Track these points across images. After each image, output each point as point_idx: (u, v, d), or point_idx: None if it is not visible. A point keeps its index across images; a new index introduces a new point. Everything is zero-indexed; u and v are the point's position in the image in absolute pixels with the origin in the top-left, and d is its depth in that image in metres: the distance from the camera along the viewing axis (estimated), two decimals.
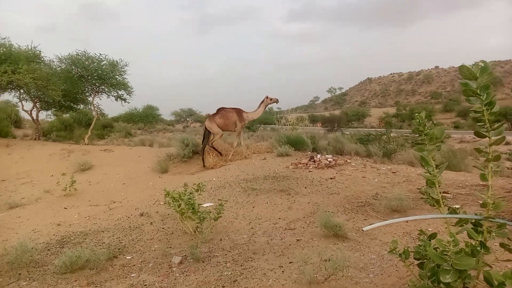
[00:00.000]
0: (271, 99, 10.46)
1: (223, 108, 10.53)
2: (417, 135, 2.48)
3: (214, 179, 7.88)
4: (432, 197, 2.48)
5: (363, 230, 3.74)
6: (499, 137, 2.24)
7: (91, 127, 17.57)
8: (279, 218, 4.94)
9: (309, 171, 7.72)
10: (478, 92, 2.20)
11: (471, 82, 2.21)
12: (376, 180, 6.78)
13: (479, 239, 2.18)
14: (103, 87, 16.64)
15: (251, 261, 3.48)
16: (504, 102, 69.58)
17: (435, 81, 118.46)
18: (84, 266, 3.69)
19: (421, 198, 4.68)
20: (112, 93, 17.18)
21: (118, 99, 17.50)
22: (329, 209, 5.14)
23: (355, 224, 4.44)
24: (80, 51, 16.37)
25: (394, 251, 2.38)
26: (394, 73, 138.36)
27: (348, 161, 8.53)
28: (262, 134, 22.14)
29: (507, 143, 28.62)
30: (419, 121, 2.40)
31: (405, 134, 29.92)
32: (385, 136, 17.17)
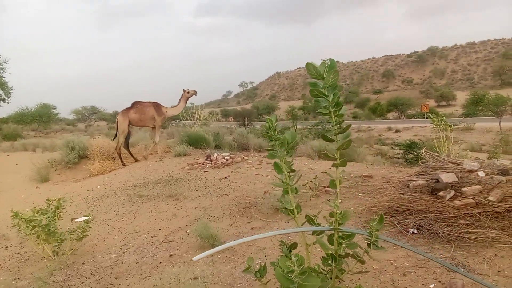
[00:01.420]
0: (188, 92, 9.85)
1: (138, 102, 9.70)
2: (268, 139, 2.27)
3: (99, 186, 7.17)
4: (286, 208, 2.28)
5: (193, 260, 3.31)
6: (346, 140, 2.13)
7: None
8: (159, 229, 4.54)
9: (204, 171, 7.42)
10: (325, 92, 2.04)
11: (319, 81, 2.05)
12: (269, 176, 6.71)
13: (330, 251, 2.05)
14: None
15: None
16: (395, 93, 76.86)
17: None
18: None
19: (277, 208, 4.67)
20: None
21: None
22: (215, 214, 4.89)
23: (237, 229, 4.22)
24: None
25: (249, 270, 2.16)
26: (300, 68, 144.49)
27: (246, 158, 8.41)
28: (173, 131, 21.30)
29: (397, 131, 31.43)
30: (269, 125, 2.20)
31: (308, 127, 31.43)
32: (288, 129, 17.62)
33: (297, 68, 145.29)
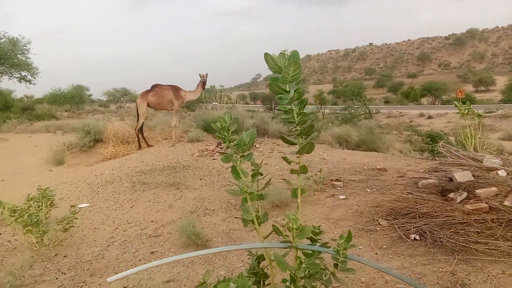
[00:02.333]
0: (202, 76, 9.54)
1: (158, 85, 9.63)
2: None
3: (107, 171, 7.12)
4: (245, 218, 2.01)
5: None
6: (308, 143, 1.83)
7: None
8: (152, 221, 4.37)
9: (213, 159, 7.23)
10: (286, 88, 1.74)
11: (280, 75, 1.74)
12: (277, 166, 6.45)
13: (288, 271, 1.77)
14: (2, 67, 14.79)
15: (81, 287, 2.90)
16: (431, 77, 73.92)
17: (369, 57, 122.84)
18: None
19: (275, 204, 4.37)
20: (14, 74, 15.41)
21: (22, 81, 15.80)
22: (212, 206, 4.68)
23: (229, 225, 4.00)
24: None
25: (203, 286, 1.91)
26: (331, 50, 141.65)
27: (257, 146, 8.15)
28: (200, 114, 21.25)
29: (430, 117, 30.19)
30: (222, 125, 1.93)
31: (335, 111, 30.61)
32: (312, 114, 17.18)
33: (328, 51, 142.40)
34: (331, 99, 56.43)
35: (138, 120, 9.59)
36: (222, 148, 7.85)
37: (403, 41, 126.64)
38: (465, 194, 3.49)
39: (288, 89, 1.72)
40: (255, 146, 8.07)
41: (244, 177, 2.03)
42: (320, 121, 22.44)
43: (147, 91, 9.72)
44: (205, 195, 5.15)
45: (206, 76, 9.31)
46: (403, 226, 3.33)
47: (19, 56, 15.20)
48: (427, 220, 3.27)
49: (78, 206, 5.14)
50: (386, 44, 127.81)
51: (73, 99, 36.41)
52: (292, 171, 1.92)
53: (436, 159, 5.12)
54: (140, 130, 9.61)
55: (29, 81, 15.97)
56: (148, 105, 9.59)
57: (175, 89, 9.40)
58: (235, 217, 4.24)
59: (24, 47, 15.31)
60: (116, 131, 9.62)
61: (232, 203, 4.72)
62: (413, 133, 12.81)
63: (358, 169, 6.00)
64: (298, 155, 1.92)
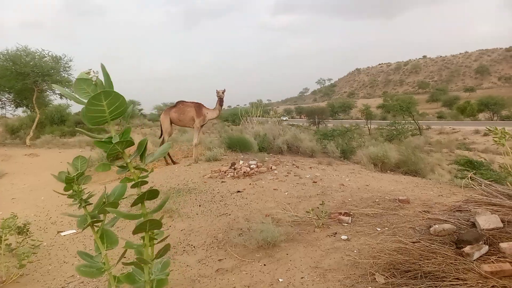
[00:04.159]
0: (219, 92, 8.95)
1: (182, 101, 9.42)
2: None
3: None
4: None
5: None
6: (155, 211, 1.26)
7: (33, 127, 16.36)
8: (124, 257, 3.93)
9: (222, 182, 6.73)
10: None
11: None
12: (286, 193, 5.82)
13: None
14: (44, 84, 15.36)
15: None
16: (490, 91, 69.32)
17: (422, 70, 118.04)
18: None
19: (260, 245, 3.66)
20: (55, 90, 16.00)
21: (63, 97, 16.38)
22: (195, 242, 4.16)
23: (201, 269, 3.43)
24: (20, 47, 15.15)
25: None
26: (382, 63, 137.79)
27: (273, 167, 7.55)
28: (241, 129, 21.02)
29: (486, 134, 27.88)
30: (66, 178, 1.44)
31: (381, 127, 29.13)
32: (350, 132, 16.30)
33: (379, 64, 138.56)
34: (380, 113, 54.47)
35: (161, 137, 9.47)
36: (235, 169, 7.36)
37: (460, 53, 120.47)
38: (485, 248, 2.71)
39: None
40: (271, 168, 7.48)
41: (110, 247, 1.51)
42: (362, 138, 21.43)
43: (171, 107, 9.56)
44: (194, 226, 4.65)
45: (223, 93, 8.83)
46: None
47: (61, 73, 15.72)
48: (430, 283, 2.53)
49: (62, 233, 4.84)
50: (441, 56, 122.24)
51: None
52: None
53: (467, 194, 4.28)
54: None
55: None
56: (171, 122, 9.38)
57: (198, 106, 9.06)
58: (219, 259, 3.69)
59: (66, 64, 15.87)
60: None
61: (219, 238, 4.17)
62: (452, 161, 11.53)
63: (377, 200, 5.25)
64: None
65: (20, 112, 22.13)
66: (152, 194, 1.41)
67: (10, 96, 17.67)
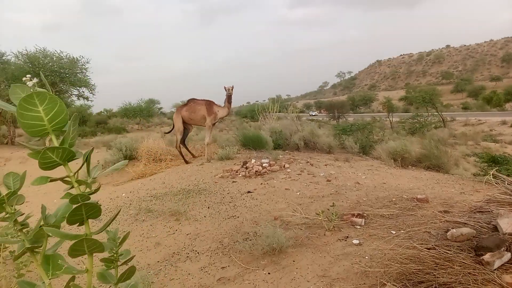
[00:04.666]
0: (228, 89, 8.72)
1: (193, 99, 9.29)
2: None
3: (123, 194, 6.77)
4: None
5: None
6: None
7: None
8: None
9: (233, 182, 6.56)
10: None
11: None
12: (298, 193, 5.60)
13: None
14: (62, 85, 15.55)
15: None
16: None
17: (446, 60, 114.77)
18: None
19: (266, 251, 3.42)
20: (72, 91, 16.22)
21: (80, 98, 16.62)
22: (199, 247, 3.99)
23: (203, 278, 3.26)
24: (38, 48, 15.38)
25: None
26: (404, 54, 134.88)
27: (287, 165, 7.33)
28: (259, 125, 20.80)
29: None
30: None
31: (402, 120, 28.36)
32: (369, 126, 15.89)
33: (401, 55, 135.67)
34: (403, 106, 53.26)
35: (169, 132, 9.49)
36: (247, 168, 7.18)
37: (485, 42, 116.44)
38: (507, 256, 2.44)
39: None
40: (284, 166, 7.26)
41: (55, 274, 1.32)
42: (382, 132, 20.88)
43: (182, 106, 9.45)
44: (201, 230, 4.49)
45: (232, 89, 8.58)
46: None
47: (78, 74, 15.89)
48: None
49: None
50: (465, 45, 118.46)
51: (141, 113, 38.21)
52: None
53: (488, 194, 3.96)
54: (183, 143, 9.33)
55: (87, 98, 16.70)
56: (183, 120, 9.27)
57: (209, 104, 8.87)
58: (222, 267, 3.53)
59: (83, 66, 16.03)
60: (149, 148, 9.39)
61: (224, 243, 4.00)
62: (474, 156, 10.98)
63: (394, 199, 4.97)
64: None
65: None
66: (91, 210, 1.21)
67: None
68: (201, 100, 9.11)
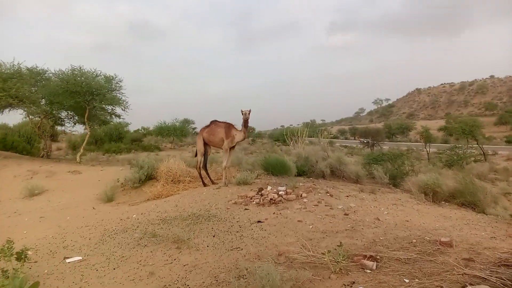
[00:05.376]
0: (245, 113, 8.27)
1: (215, 121, 9.19)
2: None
3: (134, 215, 6.63)
4: None
5: None
6: None
7: (84, 144, 17.01)
8: None
9: (245, 209, 6.28)
10: None
11: None
12: (311, 226, 5.24)
13: None
14: (94, 102, 15.95)
15: None
16: None
17: (490, 91, 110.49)
18: None
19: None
20: (105, 108, 16.61)
21: (113, 116, 16.99)
22: (193, 281, 3.71)
23: None
24: (75, 67, 15.96)
25: None
26: (445, 83, 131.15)
27: (304, 195, 6.97)
28: (289, 149, 20.45)
29: None
30: None
31: (440, 151, 27.14)
32: (402, 156, 15.19)
33: (441, 84, 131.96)
34: (442, 136, 51.28)
35: (195, 156, 9.37)
36: (262, 196, 6.89)
37: None
38: None
39: None
40: (301, 195, 6.91)
41: None
42: (418, 162, 19.88)
43: (205, 127, 9.34)
44: (200, 261, 4.22)
45: (249, 114, 8.25)
46: None
47: (113, 92, 16.33)
48: None
49: (68, 260, 4.64)
50: (511, 76, 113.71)
51: (175, 132, 38.86)
52: None
53: None
54: (204, 167, 9.18)
55: (119, 116, 17.07)
56: (204, 142, 9.17)
57: (228, 127, 8.68)
58: None
59: (117, 84, 16.46)
60: (169, 168, 9.30)
61: (219, 279, 3.70)
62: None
63: (414, 240, 4.53)
64: None
65: (78, 128, 23.29)
66: None
67: (69, 113, 18.48)
68: (222, 122, 8.96)
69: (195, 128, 49.33)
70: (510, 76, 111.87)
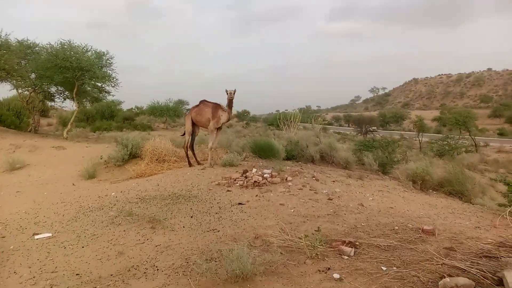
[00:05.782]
0: (229, 92, 7.89)
1: (204, 101, 8.88)
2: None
3: (113, 193, 6.43)
4: None
5: None
6: None
7: (71, 120, 16.67)
8: (77, 274, 3.39)
9: (228, 191, 6.11)
10: None
11: None
12: (293, 210, 5.08)
13: None
14: (84, 78, 15.52)
15: None
16: None
17: (486, 84, 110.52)
18: None
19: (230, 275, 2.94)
20: (96, 85, 16.24)
21: (103, 92, 16.65)
22: (162, 263, 3.54)
23: None
24: (64, 41, 15.52)
25: None
26: (442, 74, 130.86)
27: (289, 178, 6.80)
28: (282, 134, 20.23)
29: None
30: None
31: (432, 140, 27.13)
32: (393, 143, 15.04)
33: (439, 75, 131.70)
34: (435, 126, 51.33)
35: (183, 135, 9.20)
36: (246, 178, 6.71)
37: None
38: None
39: None
40: (286, 179, 6.74)
41: None
42: (409, 151, 19.79)
43: (194, 107, 9.09)
44: (173, 242, 4.06)
45: (234, 93, 7.89)
46: None
47: (103, 69, 15.96)
48: None
49: (36, 236, 4.45)
50: (507, 69, 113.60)
51: (168, 112, 38.32)
52: None
53: None
54: (191, 147, 8.98)
55: (108, 92, 16.71)
56: (193, 122, 8.94)
57: (215, 108, 8.39)
58: None
59: (108, 61, 16.07)
60: (154, 147, 9.08)
61: (190, 260, 3.53)
62: (502, 181, 9.97)
63: (396, 227, 4.39)
64: None
65: (68, 104, 22.86)
66: None
67: (59, 88, 18.02)
68: (211, 102, 8.67)
69: (189, 109, 48.85)
70: (507, 70, 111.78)
